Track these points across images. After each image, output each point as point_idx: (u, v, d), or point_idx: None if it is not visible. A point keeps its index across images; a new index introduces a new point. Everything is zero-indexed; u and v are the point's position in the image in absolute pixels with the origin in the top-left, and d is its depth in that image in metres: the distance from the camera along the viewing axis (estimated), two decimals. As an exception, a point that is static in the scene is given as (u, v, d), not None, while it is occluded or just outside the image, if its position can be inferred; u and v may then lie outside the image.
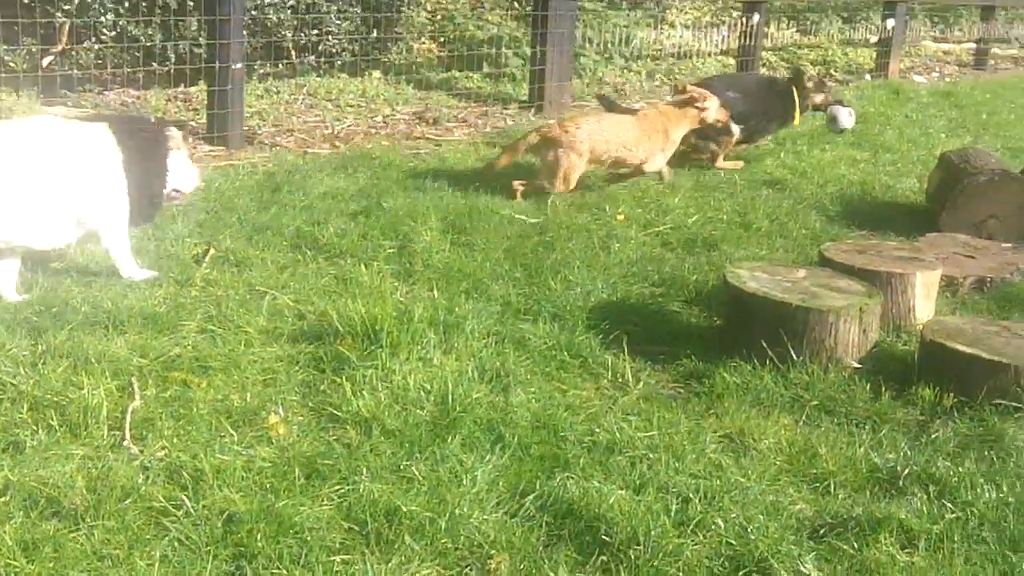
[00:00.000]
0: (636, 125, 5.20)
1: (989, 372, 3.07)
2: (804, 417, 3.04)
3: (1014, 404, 3.01)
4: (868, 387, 3.20)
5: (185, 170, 3.75)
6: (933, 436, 2.91)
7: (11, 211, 3.16)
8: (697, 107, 5.33)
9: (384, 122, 6.86)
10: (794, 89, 6.18)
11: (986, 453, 2.81)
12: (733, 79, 6.95)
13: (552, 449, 2.71)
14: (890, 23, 10.30)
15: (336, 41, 7.51)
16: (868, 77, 10.47)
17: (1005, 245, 4.71)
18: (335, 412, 2.80)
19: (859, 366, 3.33)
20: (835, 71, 10.90)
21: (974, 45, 12.73)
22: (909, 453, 2.80)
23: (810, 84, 6.30)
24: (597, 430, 2.84)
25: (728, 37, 9.00)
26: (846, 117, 6.43)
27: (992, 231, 4.92)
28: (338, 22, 7.44)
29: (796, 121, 6.27)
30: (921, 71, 11.88)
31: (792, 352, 3.27)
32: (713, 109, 5.38)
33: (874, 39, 11.26)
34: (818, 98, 6.33)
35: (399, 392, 2.90)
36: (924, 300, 3.77)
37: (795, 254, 4.61)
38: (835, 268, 3.77)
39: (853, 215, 5.36)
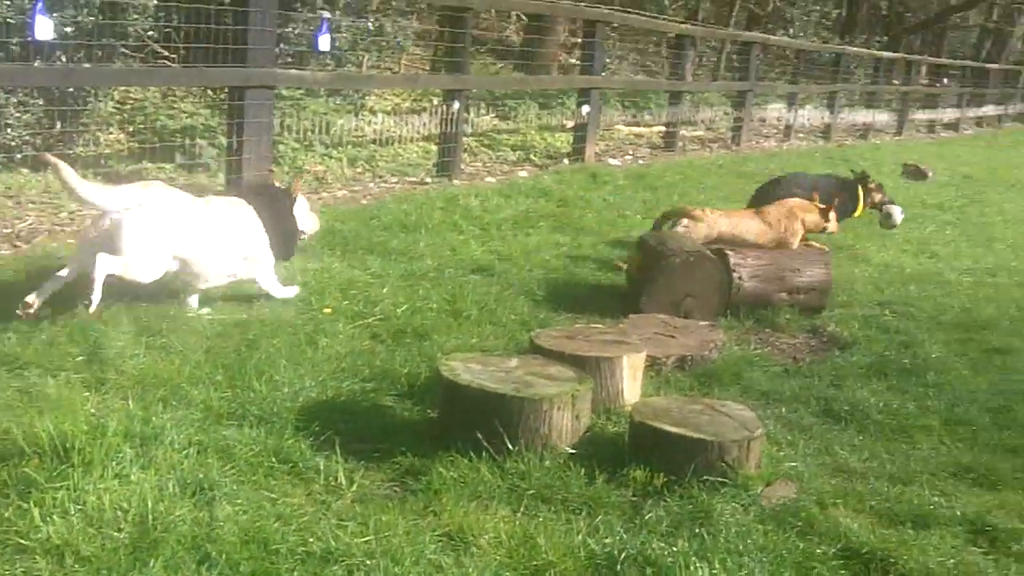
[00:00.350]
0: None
1: (695, 450, 3.50)
2: (523, 507, 3.25)
3: (720, 479, 3.43)
4: (583, 472, 3.49)
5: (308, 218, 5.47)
6: (646, 517, 3.24)
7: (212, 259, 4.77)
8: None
9: (70, 218, 6.68)
10: (860, 188, 7.88)
11: (697, 530, 3.16)
12: (811, 179, 8.10)
13: (263, 564, 2.71)
14: (585, 109, 11.37)
15: (16, 135, 7.42)
16: (566, 161, 11.47)
17: (702, 323, 5.39)
18: (22, 541, 2.72)
19: (573, 451, 3.62)
20: (534, 156, 11.92)
21: (664, 128, 14.48)
22: (625, 536, 3.09)
23: (872, 185, 8.05)
24: (311, 540, 2.86)
25: (429, 123, 9.55)
26: (898, 214, 8.29)
27: (690, 310, 5.60)
28: (17, 115, 7.39)
29: (857, 213, 7.88)
30: (616, 154, 13.29)
31: (508, 442, 3.50)
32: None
33: (570, 124, 12.38)
34: (877, 197, 8.10)
35: (94, 514, 2.85)
36: (632, 382, 4.20)
37: (506, 340, 4.93)
38: (546, 355, 4.10)
39: (560, 299, 5.85)
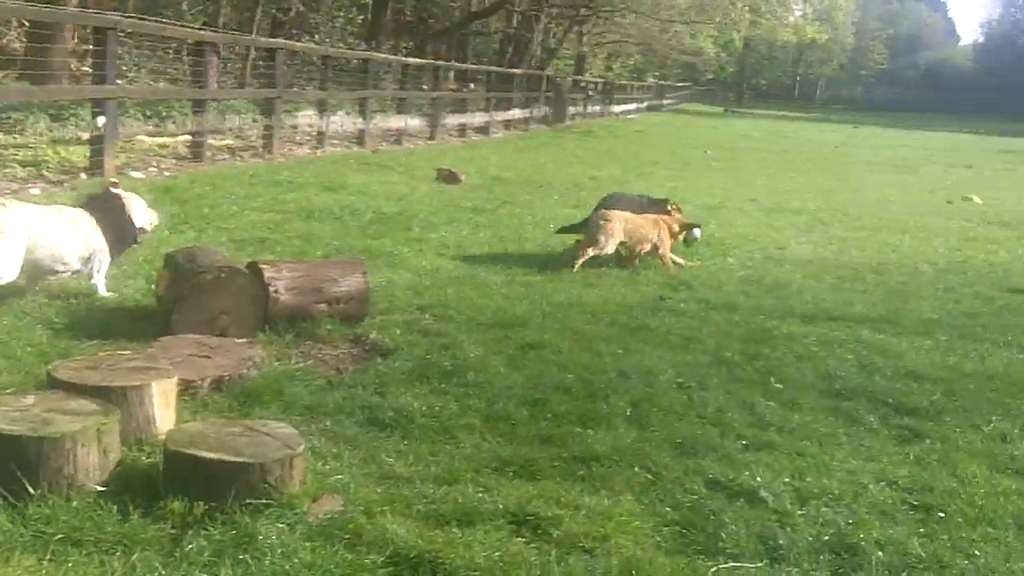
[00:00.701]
0: None
1: (235, 474, 3.64)
2: (49, 554, 3.20)
3: (264, 502, 3.61)
4: (115, 510, 3.50)
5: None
6: (187, 549, 3.33)
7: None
8: None
9: None
10: (668, 206, 10.26)
11: (241, 556, 3.32)
12: (628, 199, 10.65)
13: None
14: (100, 120, 11.20)
15: None
16: (83, 176, 11.17)
17: (239, 341, 5.52)
18: None
19: (103, 488, 3.60)
20: (48, 171, 11.45)
21: (190, 137, 14.34)
22: (164, 572, 3.17)
23: (673, 205, 10.41)
24: None
25: None
26: (697, 232, 10.66)
27: (225, 327, 5.70)
28: None
29: None
30: (139, 166, 13.02)
31: (28, 486, 3.43)
32: None
33: (86, 136, 11.99)
34: (677, 215, 10.17)
35: None
36: (164, 409, 4.22)
37: (22, 376, 4.70)
38: (67, 388, 4.02)
39: (83, 326, 5.69)
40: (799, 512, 4.15)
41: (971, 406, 5.75)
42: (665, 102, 67.32)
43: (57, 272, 6.18)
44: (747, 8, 39.04)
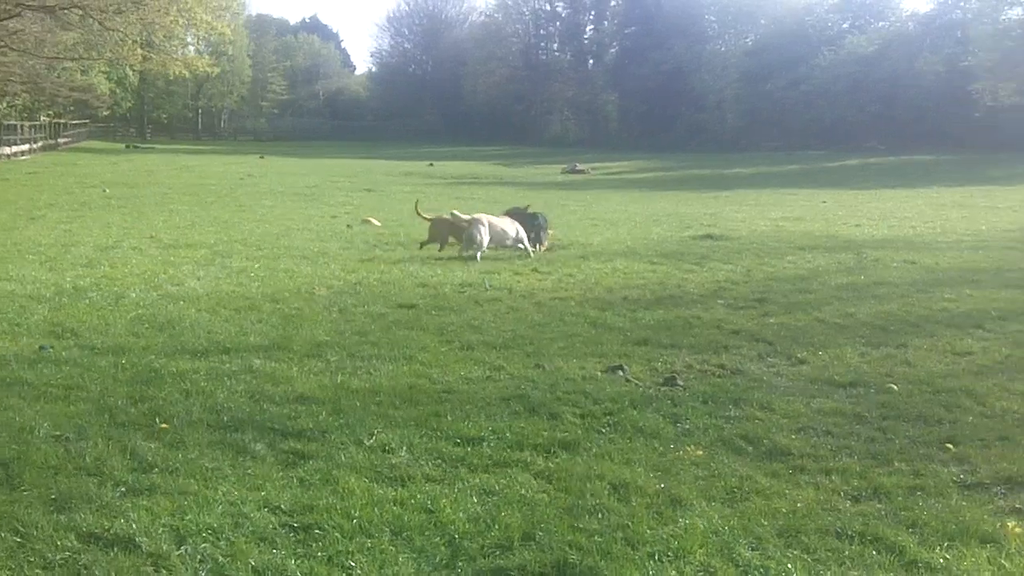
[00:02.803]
0: None
1: None
2: None
3: None
4: None
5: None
6: None
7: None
8: None
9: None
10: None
11: None
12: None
13: None
14: None
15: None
16: None
17: None
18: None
19: None
20: None
21: None
22: None
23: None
24: None
25: None
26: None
27: None
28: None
29: None
30: None
31: None
32: None
33: None
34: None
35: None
36: None
37: None
38: None
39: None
40: (176, 552, 4.19)
41: (355, 421, 6.24)
42: (62, 141, 63.83)
43: (505, 244, 15.10)
44: (137, 43, 38.43)
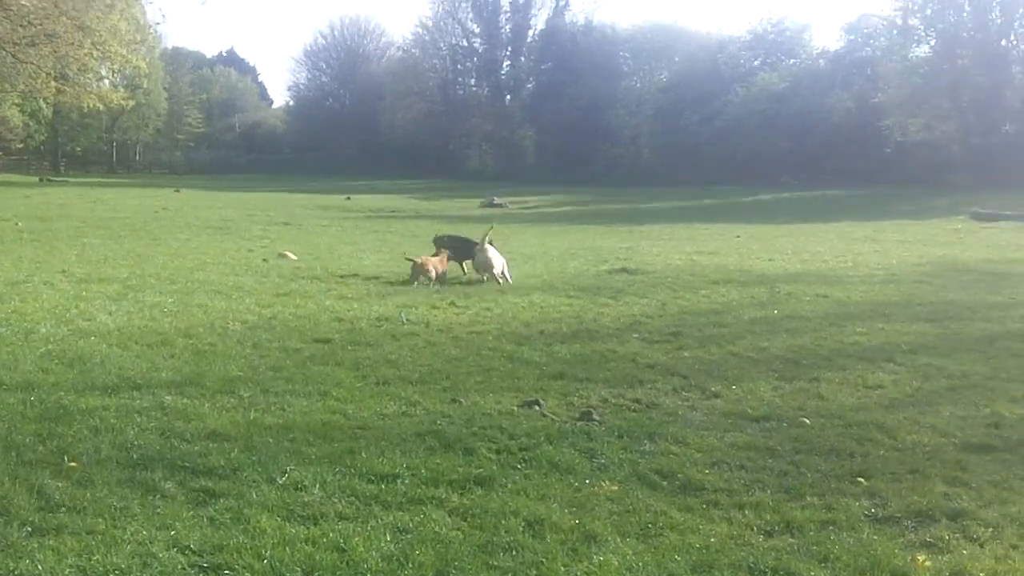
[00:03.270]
0: None
1: None
2: None
3: None
4: None
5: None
6: None
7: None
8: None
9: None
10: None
11: None
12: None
13: None
14: None
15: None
16: None
17: None
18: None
19: None
20: None
21: None
22: None
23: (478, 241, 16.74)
24: None
25: None
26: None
27: None
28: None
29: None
30: None
31: None
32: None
33: None
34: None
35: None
36: None
37: None
38: None
39: None
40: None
41: (268, 459, 6.16)
42: (-28, 174, 62.17)
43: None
44: (51, 76, 37.69)
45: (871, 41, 65.17)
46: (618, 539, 5.17)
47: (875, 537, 5.34)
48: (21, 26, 30.38)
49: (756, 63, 73.08)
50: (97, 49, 34.31)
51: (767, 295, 14.84)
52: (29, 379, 8.06)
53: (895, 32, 59.11)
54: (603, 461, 6.50)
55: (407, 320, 11.82)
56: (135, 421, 6.84)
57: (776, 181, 59.28)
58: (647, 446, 6.88)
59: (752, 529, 5.42)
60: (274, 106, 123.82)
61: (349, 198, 51.50)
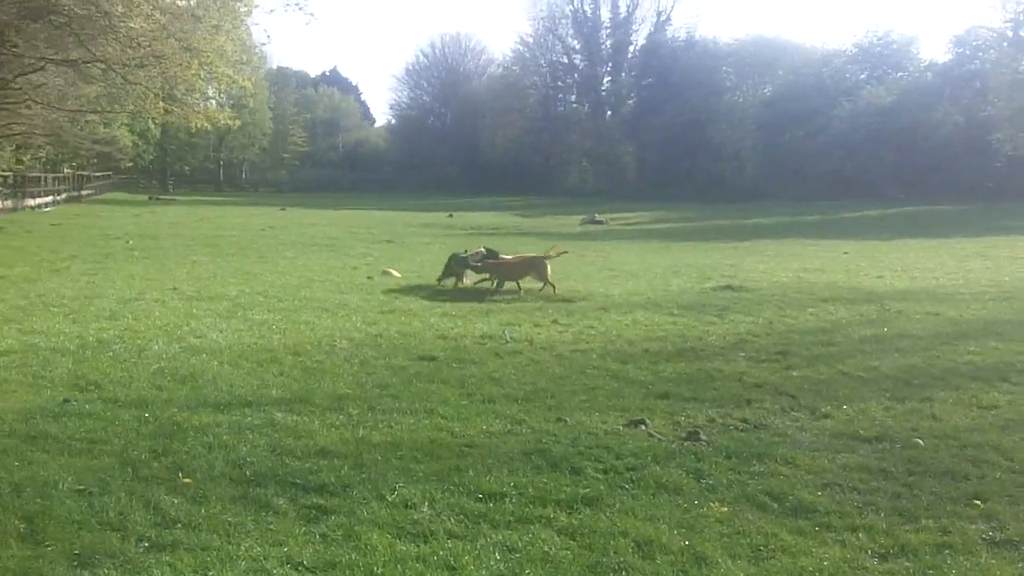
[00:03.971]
0: None
1: None
2: None
3: None
4: None
5: None
6: None
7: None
8: None
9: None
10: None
11: None
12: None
13: None
14: None
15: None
16: None
17: None
18: None
19: None
20: None
21: None
22: None
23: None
24: None
25: None
26: None
27: None
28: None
29: None
30: None
31: None
32: None
33: None
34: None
35: None
36: None
37: None
38: None
39: None
40: (201, 613, 4.16)
41: (377, 476, 6.23)
42: (85, 193, 64.67)
43: None
44: (159, 97, 38.90)
45: (980, 54, 63.25)
46: (729, 561, 5.09)
47: (993, 561, 5.18)
48: (130, 47, 31.37)
49: (862, 76, 71.58)
50: (204, 69, 35.25)
51: (876, 313, 14.47)
52: (143, 396, 8.31)
53: (1005, 44, 57.32)
54: (711, 482, 6.42)
55: (511, 338, 11.87)
56: (247, 438, 7.00)
57: (883, 196, 57.93)
58: (756, 467, 6.76)
59: (866, 552, 5.29)
60: (376, 125, 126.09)
61: (451, 215, 52.08)
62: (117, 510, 5.41)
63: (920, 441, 7.45)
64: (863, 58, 73.48)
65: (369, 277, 19.51)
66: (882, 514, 5.88)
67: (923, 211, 48.28)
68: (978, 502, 6.09)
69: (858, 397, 8.95)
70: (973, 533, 5.58)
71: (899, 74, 71.09)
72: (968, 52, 64.93)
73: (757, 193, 68.63)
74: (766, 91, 79.51)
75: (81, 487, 5.80)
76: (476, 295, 16.51)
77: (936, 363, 10.57)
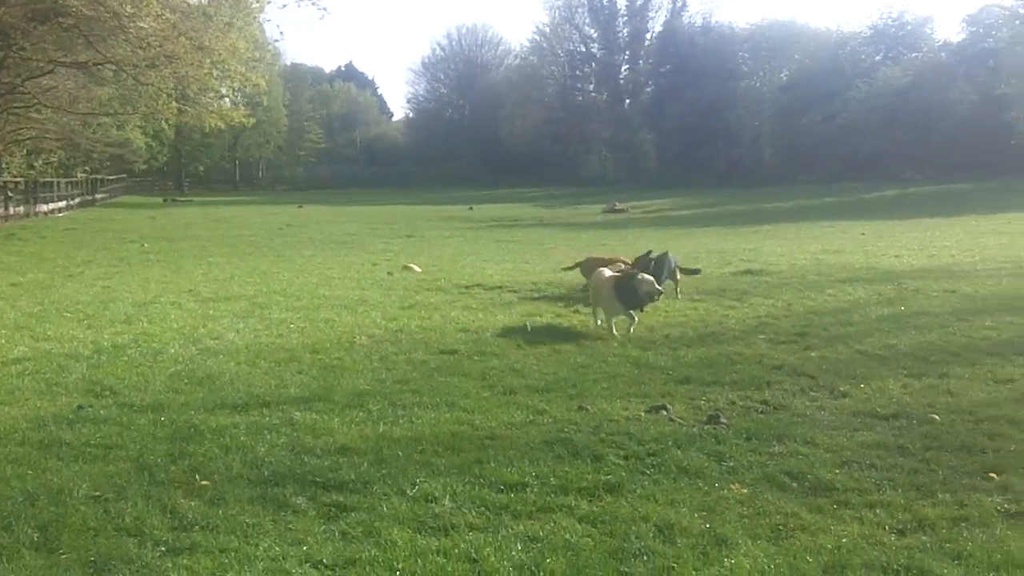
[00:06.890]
0: None
1: None
2: None
3: None
4: None
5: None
6: None
7: None
8: None
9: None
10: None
11: None
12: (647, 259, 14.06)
13: None
14: None
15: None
16: None
17: None
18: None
19: None
20: None
21: None
22: None
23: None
24: None
25: None
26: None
27: None
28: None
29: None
30: None
31: None
32: None
33: None
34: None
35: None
36: None
37: None
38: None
39: None
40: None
41: (398, 471, 6.23)
42: (99, 196, 64.91)
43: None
44: (172, 97, 38.88)
45: (993, 32, 62.50)
46: (749, 542, 5.06)
47: (1009, 532, 5.15)
48: (141, 48, 31.27)
49: (878, 58, 71.07)
50: (217, 68, 35.16)
51: (894, 292, 14.39)
52: (159, 400, 8.29)
53: (1018, 22, 56.71)
54: (732, 464, 6.39)
55: (532, 329, 11.85)
56: (265, 438, 6.99)
57: (899, 176, 57.58)
58: (776, 448, 6.73)
59: (884, 528, 5.27)
60: (394, 119, 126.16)
61: (472, 208, 52.06)
62: (133, 515, 5.40)
63: (937, 417, 7.41)
64: (878, 39, 72.90)
65: (389, 273, 19.51)
66: (900, 490, 5.85)
67: (939, 190, 47.95)
68: (994, 475, 6.06)
69: (876, 375, 8.91)
70: (989, 505, 5.55)
71: (914, 55, 70.48)
72: (981, 31, 64.23)
73: (776, 177, 68.34)
74: (783, 75, 79.06)
75: (96, 494, 5.79)
76: (505, 290, 16.45)
77: (953, 340, 10.52)
